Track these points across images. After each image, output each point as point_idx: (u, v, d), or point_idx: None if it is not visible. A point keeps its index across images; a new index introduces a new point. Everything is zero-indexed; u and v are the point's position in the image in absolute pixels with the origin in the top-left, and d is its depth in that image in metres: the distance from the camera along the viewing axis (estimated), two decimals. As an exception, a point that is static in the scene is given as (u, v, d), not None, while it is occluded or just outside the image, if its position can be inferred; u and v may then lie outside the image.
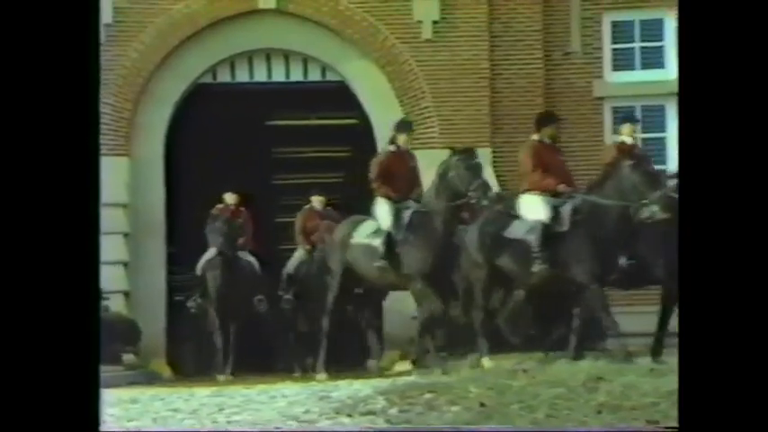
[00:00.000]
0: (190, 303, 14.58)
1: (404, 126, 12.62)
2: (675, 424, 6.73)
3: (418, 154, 14.88)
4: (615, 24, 15.66)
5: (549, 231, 10.79)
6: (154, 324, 15.20)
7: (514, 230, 11.12)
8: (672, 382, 7.58)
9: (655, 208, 10.24)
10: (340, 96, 15.89)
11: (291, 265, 14.37)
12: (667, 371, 8.19)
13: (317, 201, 14.58)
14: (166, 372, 14.96)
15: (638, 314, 12.19)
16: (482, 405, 7.40)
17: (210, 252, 14.41)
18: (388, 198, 12.06)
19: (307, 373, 13.51)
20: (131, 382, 12.04)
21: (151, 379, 13.69)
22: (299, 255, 14.39)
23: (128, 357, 14.28)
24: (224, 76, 15.98)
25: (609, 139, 15.50)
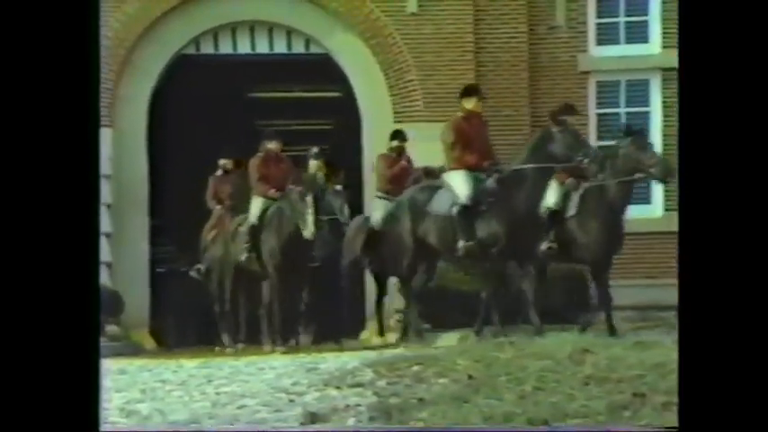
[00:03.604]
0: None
1: None
2: (662, 397, 6.81)
3: (401, 128, 14.92)
4: (600, -2, 15.68)
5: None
6: (137, 296, 15.21)
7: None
8: (657, 355, 7.66)
9: None
10: (324, 69, 15.87)
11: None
12: (653, 344, 8.26)
13: None
14: (149, 343, 14.99)
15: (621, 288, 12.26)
16: (470, 377, 7.45)
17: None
18: None
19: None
20: (116, 354, 12.04)
21: (135, 350, 13.71)
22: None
23: (111, 328, 14.29)
24: (207, 48, 15.92)
25: (593, 113, 15.58)
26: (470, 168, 11.26)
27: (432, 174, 12.53)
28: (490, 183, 11.13)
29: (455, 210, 11.15)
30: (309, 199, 12.16)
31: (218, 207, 14.24)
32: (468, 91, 11.64)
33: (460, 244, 11.05)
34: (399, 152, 13.19)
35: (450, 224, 11.19)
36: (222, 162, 14.46)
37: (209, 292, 14.26)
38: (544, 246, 11.10)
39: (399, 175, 13.00)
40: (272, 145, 13.16)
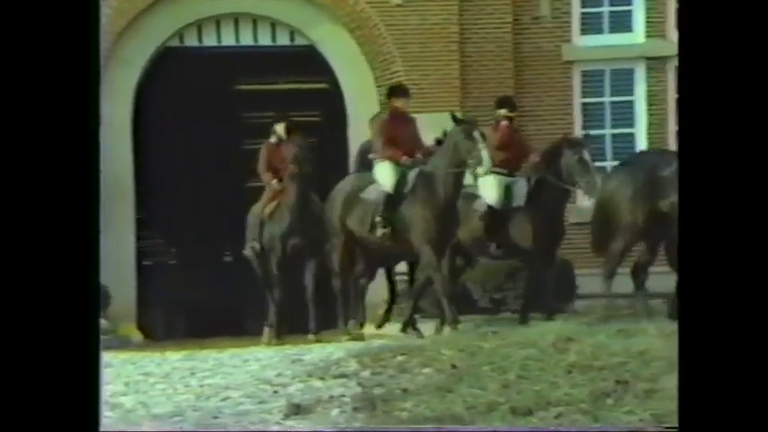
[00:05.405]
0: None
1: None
2: (645, 384, 6.83)
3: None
4: (584, -12, 15.69)
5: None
6: (124, 289, 15.19)
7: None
8: (641, 343, 7.68)
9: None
10: (309, 61, 15.86)
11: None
12: (636, 331, 8.28)
13: None
14: (137, 336, 14.98)
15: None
16: (453, 367, 7.47)
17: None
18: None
19: None
20: (103, 347, 12.00)
21: (122, 344, 13.69)
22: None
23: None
24: (191, 40, 15.89)
25: (577, 102, 15.61)
26: None
27: (576, 144, 11.63)
28: None
29: None
30: (477, 134, 10.79)
31: (275, 181, 12.39)
32: None
33: None
34: (508, 122, 11.82)
35: None
36: (277, 127, 12.79)
37: (264, 273, 12.45)
38: None
39: (510, 143, 11.69)
40: (400, 103, 11.40)
